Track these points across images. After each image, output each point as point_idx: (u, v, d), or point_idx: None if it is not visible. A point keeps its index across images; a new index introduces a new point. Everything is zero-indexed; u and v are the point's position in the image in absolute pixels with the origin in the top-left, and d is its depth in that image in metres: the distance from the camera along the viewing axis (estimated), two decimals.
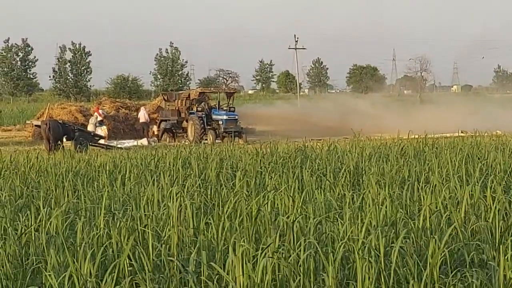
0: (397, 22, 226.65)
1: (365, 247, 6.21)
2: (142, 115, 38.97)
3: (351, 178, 11.66)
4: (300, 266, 6.11)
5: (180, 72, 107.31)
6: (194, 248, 6.82)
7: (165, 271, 6.49)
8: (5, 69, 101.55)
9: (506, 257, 6.11)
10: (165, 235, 7.29)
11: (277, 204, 8.84)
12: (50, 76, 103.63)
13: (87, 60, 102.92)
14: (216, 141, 33.37)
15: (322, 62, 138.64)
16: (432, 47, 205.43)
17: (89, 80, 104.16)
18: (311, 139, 23.02)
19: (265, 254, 6.06)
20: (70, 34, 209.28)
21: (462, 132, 26.49)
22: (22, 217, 8.25)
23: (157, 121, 38.63)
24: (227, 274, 6.00)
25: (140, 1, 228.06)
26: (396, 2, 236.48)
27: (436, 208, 8.29)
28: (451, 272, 6.19)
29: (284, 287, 6.11)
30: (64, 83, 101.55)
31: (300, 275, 6.07)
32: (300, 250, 6.21)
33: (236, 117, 35.70)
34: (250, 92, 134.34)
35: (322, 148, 16.76)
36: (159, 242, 7.09)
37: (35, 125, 33.83)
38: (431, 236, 6.78)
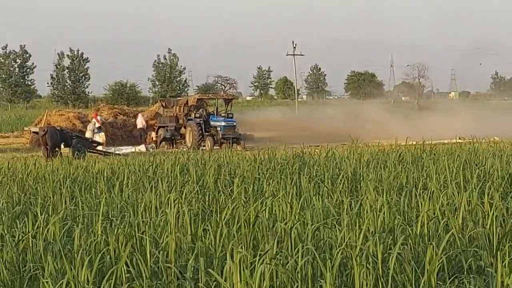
0: (395, 28, 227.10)
1: (363, 253, 6.21)
2: (140, 122, 38.99)
3: (349, 185, 11.66)
4: (298, 272, 6.11)
5: (178, 78, 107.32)
6: (192, 255, 6.82)
7: (162, 277, 6.49)
8: (3, 75, 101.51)
9: (503, 264, 6.11)
10: (163, 242, 7.28)
11: (275, 211, 8.83)
12: (48, 83, 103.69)
13: (85, 67, 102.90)
14: (214, 147, 33.37)
15: (320, 69, 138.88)
16: (430, 53, 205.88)
17: (87, 87, 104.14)
18: (309, 145, 23.02)
19: (263, 260, 6.06)
20: (68, 41, 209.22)
21: (459, 139, 26.51)
22: (20, 224, 8.24)
23: (155, 127, 38.65)
24: (225, 280, 5.99)
25: (139, 7, 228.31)
26: (394, 9, 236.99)
27: (434, 214, 8.29)
28: (449, 279, 6.20)
29: None
30: (62, 89, 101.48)
31: (298, 282, 6.07)
32: (298, 257, 6.21)
33: (234, 123, 35.73)
34: (248, 98, 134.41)
35: (320, 154, 16.77)
36: (156, 248, 7.09)
37: (33, 132, 33.81)
38: (429, 242, 6.78)
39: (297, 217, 8.28)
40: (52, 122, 37.84)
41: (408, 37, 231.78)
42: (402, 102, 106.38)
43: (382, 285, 6.09)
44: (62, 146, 28.36)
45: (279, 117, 47.05)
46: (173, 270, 6.41)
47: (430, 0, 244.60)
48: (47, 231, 7.78)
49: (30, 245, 7.37)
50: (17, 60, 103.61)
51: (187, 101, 38.12)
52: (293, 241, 6.96)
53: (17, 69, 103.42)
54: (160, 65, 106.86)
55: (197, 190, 10.97)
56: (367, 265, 6.08)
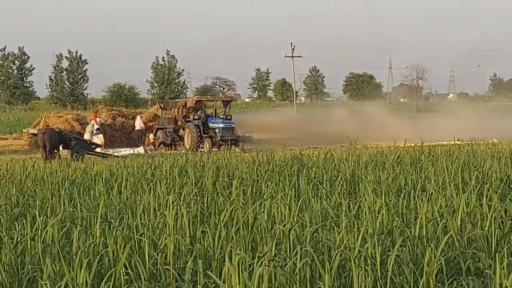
0: (393, 30, 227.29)
1: (361, 255, 6.21)
2: (138, 123, 39.01)
3: (347, 186, 11.67)
4: (296, 274, 6.11)
5: (177, 80, 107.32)
6: (191, 257, 6.81)
7: (161, 279, 6.49)
8: (2, 77, 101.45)
9: (502, 266, 6.11)
10: (161, 244, 7.28)
11: (274, 213, 8.83)
12: (46, 85, 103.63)
13: (83, 69, 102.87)
14: (213, 149, 33.37)
15: (318, 70, 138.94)
16: (428, 55, 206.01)
17: (85, 89, 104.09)
18: (308, 147, 23.03)
19: (262, 262, 6.06)
20: (66, 43, 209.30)
21: (458, 140, 26.52)
22: (18, 226, 8.23)
23: (153, 129, 38.65)
24: (223, 282, 5.99)
25: (137, 9, 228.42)
26: (392, 11, 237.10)
27: (432, 216, 8.30)
28: (447, 281, 6.20)
29: None
30: (61, 91, 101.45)
31: (296, 284, 6.07)
32: (296, 259, 6.21)
33: (233, 125, 35.72)
34: (246, 100, 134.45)
35: (318, 156, 16.77)
36: (155, 250, 7.09)
37: (32, 134, 33.80)
38: (427, 244, 6.78)
39: (295, 219, 8.28)
40: (51, 124, 37.80)
41: (407, 39, 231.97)
42: (401, 104, 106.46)
43: (380, 287, 6.09)
44: (60, 148, 28.34)
45: (278, 119, 47.05)
46: (171, 272, 6.40)
47: (429, 2, 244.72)
48: (46, 233, 7.78)
49: (29, 247, 7.37)
50: (16, 62, 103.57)
51: (185, 103, 38.13)
52: (291, 243, 6.96)
53: (15, 71, 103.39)
54: (159, 66, 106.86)
55: (196, 192, 10.97)
56: (366, 267, 6.08)
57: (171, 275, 6.41)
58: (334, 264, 6.17)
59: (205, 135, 35.23)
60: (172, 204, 8.67)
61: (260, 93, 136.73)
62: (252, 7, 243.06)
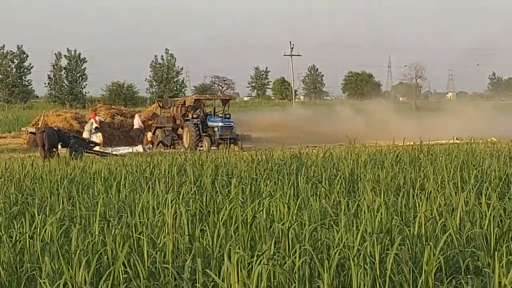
0: (392, 29, 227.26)
1: (360, 254, 6.21)
2: (136, 122, 39.00)
3: (346, 185, 11.66)
4: (295, 273, 6.11)
5: (176, 79, 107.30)
6: (189, 255, 6.81)
7: (160, 278, 6.49)
8: (0, 76, 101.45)
9: (501, 264, 6.12)
10: (160, 242, 7.28)
11: (273, 211, 8.83)
12: (45, 83, 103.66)
13: (82, 67, 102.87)
14: (212, 148, 33.37)
15: (317, 69, 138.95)
16: (427, 54, 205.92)
17: (84, 87, 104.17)
18: (307, 146, 23.02)
19: (260, 261, 6.06)
20: (65, 41, 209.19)
21: (457, 139, 26.52)
22: (17, 224, 8.23)
23: (152, 128, 38.62)
24: (222, 281, 5.99)
25: (136, 8, 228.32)
26: (391, 9, 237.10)
27: (431, 215, 8.30)
28: (446, 279, 6.20)
29: None
30: (60, 90, 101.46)
31: (295, 282, 6.07)
32: (295, 257, 6.21)
33: (232, 124, 35.69)
34: (245, 99, 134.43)
35: (317, 155, 16.76)
36: (154, 249, 7.08)
37: (30, 132, 33.77)
38: (426, 243, 6.78)
39: (294, 217, 8.28)
40: (50, 123, 37.75)
41: (406, 37, 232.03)
42: (399, 102, 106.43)
43: (379, 285, 6.09)
44: (59, 147, 28.32)
45: (277, 117, 47.02)
46: (170, 271, 6.40)
47: (428, 1, 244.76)
48: (45, 231, 7.78)
49: (28, 245, 7.37)
50: (14, 61, 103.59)
51: (184, 102, 38.09)
52: (290, 242, 6.96)
53: (14, 69, 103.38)
54: (158, 65, 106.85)
55: (195, 191, 10.97)
56: (365, 265, 6.08)
57: (170, 274, 6.41)
58: (333, 262, 6.16)
59: (204, 134, 35.21)
60: (171, 202, 8.67)
61: (259, 92, 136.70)
62: (250, 6, 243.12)
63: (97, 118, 36.67)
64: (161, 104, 39.82)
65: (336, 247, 6.54)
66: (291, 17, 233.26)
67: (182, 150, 30.19)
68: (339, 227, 7.42)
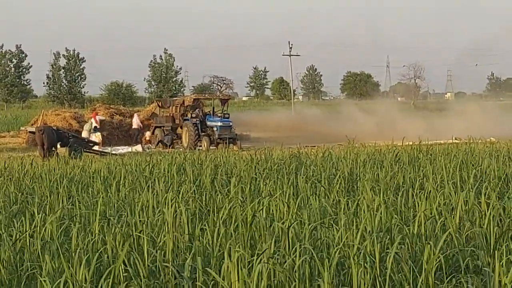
0: (391, 29, 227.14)
1: (360, 253, 6.22)
2: (135, 122, 39.00)
3: (345, 185, 11.67)
4: (295, 271, 6.11)
5: (174, 78, 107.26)
6: (189, 254, 6.82)
7: (160, 277, 6.49)
8: None
9: (501, 263, 6.13)
10: (160, 241, 7.28)
11: (272, 210, 8.84)
12: (44, 83, 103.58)
13: (81, 67, 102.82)
14: (211, 147, 33.37)
15: (316, 69, 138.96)
16: (426, 54, 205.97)
17: (83, 87, 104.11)
18: (306, 146, 23.03)
19: (261, 259, 6.06)
20: (64, 41, 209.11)
21: (456, 139, 26.55)
22: (17, 223, 8.23)
23: (151, 127, 38.61)
24: (223, 279, 6.00)
25: (135, 7, 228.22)
26: (390, 10, 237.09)
27: (431, 214, 8.31)
28: (446, 278, 6.21)
29: None
30: (58, 89, 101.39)
31: (295, 281, 6.07)
32: (295, 256, 6.22)
33: (231, 123, 35.70)
34: (244, 98, 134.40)
35: (316, 155, 16.77)
36: (154, 248, 7.09)
37: (29, 132, 33.76)
38: (426, 242, 6.78)
39: (294, 216, 8.28)
40: (49, 122, 37.75)
41: (405, 38, 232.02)
42: (398, 102, 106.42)
43: (379, 284, 6.10)
44: (58, 146, 28.32)
45: (275, 117, 47.01)
46: (170, 269, 6.40)
47: (427, 1, 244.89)
48: (45, 230, 7.78)
49: (28, 244, 7.37)
50: (13, 60, 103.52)
51: (183, 101, 38.08)
52: (290, 241, 6.97)
53: (13, 69, 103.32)
54: (156, 65, 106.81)
55: (194, 190, 10.97)
56: (365, 264, 6.09)
57: (170, 272, 6.41)
58: (333, 261, 6.17)
59: (203, 134, 35.21)
60: (171, 201, 8.67)
61: (257, 92, 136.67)
62: (250, 6, 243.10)
63: (97, 117, 36.65)
64: (160, 104, 39.82)
65: (336, 246, 6.55)
66: (291, 17, 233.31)
67: (181, 149, 30.19)
68: (339, 226, 7.42)
